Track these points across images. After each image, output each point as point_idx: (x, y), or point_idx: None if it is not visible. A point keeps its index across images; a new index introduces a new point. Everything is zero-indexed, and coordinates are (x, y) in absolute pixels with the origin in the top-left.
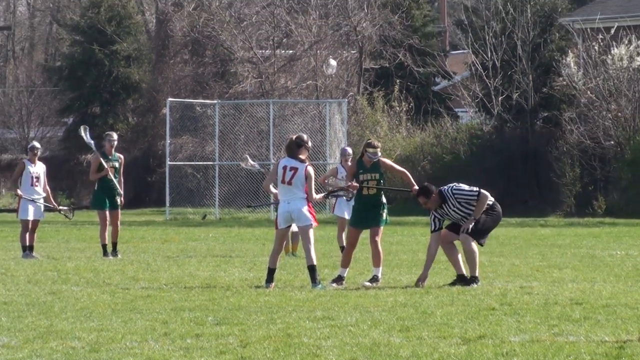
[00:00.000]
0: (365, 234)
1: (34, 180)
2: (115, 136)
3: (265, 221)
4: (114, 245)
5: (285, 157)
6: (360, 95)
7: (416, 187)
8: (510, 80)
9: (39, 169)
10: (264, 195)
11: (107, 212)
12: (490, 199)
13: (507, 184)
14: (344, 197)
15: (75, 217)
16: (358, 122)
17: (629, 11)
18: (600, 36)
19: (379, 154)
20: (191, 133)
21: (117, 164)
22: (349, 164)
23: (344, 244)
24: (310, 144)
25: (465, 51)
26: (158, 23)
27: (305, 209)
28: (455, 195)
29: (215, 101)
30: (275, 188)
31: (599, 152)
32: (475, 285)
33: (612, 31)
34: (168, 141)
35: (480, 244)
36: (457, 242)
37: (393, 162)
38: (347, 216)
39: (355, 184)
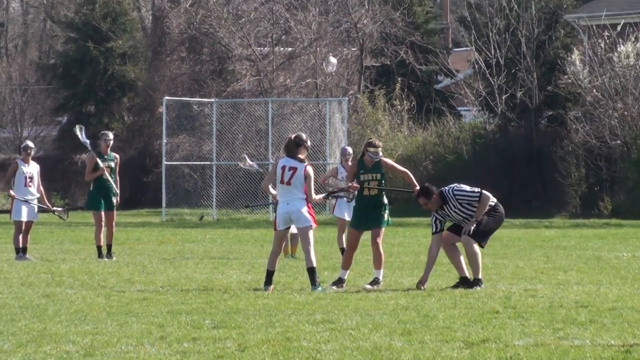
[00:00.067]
0: (366, 236)
1: (28, 180)
2: (111, 135)
3: (263, 222)
4: (109, 247)
5: (284, 157)
6: (361, 93)
7: (418, 187)
8: (514, 78)
9: (32, 169)
10: (263, 196)
11: (103, 213)
12: (493, 200)
13: (511, 184)
14: (345, 198)
15: (69, 218)
16: (359, 121)
17: (635, 7)
18: (607, 33)
19: (380, 153)
20: (188, 132)
21: (113, 164)
22: (350, 163)
23: (344, 246)
24: (309, 143)
25: (468, 48)
26: (154, 20)
27: (304, 210)
28: (456, 196)
29: (212, 100)
30: (274, 188)
31: (605, 152)
32: (478, 288)
33: (619, 28)
34: (164, 140)
35: (481, 246)
36: (459, 244)
37: (394, 162)
38: (347, 217)
39: (355, 184)
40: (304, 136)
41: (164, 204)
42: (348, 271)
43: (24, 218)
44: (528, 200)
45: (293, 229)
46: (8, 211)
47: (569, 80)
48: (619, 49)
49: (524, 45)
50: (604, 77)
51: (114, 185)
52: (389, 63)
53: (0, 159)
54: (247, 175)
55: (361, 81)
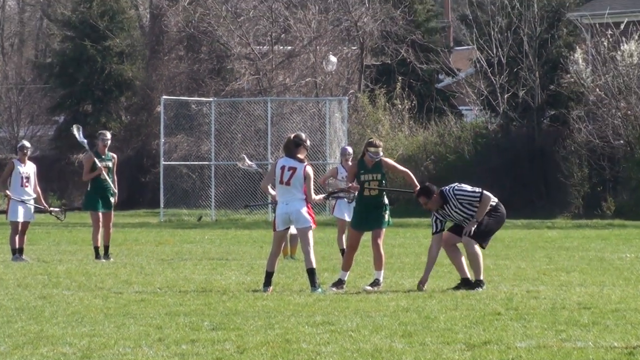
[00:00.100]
0: (366, 236)
1: (24, 180)
2: (108, 135)
3: (262, 223)
4: (106, 248)
5: (283, 157)
6: (361, 92)
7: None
8: (516, 77)
9: (29, 169)
10: (262, 197)
11: (100, 214)
12: (494, 200)
13: (513, 184)
14: (345, 199)
15: (66, 219)
16: (359, 120)
17: (639, 5)
18: (610, 31)
19: (381, 153)
20: (186, 132)
21: (110, 164)
22: (350, 163)
23: (344, 247)
24: (308, 143)
25: (469, 47)
26: (152, 18)
27: (304, 210)
28: (457, 196)
29: (211, 99)
30: (273, 189)
31: (608, 152)
32: (480, 289)
33: (622, 26)
34: (162, 140)
35: (482, 247)
36: (460, 245)
37: (395, 161)
38: (347, 218)
39: (356, 184)
40: (303, 136)
41: (161, 205)
42: (348, 272)
43: (20, 219)
44: (530, 200)
45: (292, 230)
46: (4, 212)
47: (572, 79)
48: (622, 47)
49: (526, 43)
50: (607, 76)
51: (112, 185)
52: (389, 62)
53: None
54: (246, 175)
55: (361, 80)
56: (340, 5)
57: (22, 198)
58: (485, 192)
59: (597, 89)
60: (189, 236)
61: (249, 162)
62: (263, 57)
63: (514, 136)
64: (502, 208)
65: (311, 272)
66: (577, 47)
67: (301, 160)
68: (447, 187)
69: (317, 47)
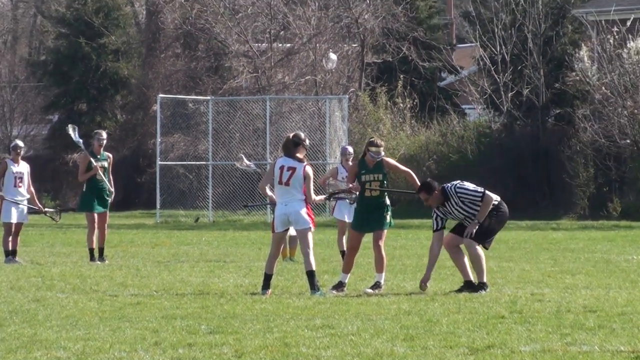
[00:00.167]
0: (367, 238)
1: (18, 180)
2: (104, 135)
3: (261, 224)
4: (101, 250)
5: (282, 157)
6: (361, 91)
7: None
8: (521, 76)
9: (22, 169)
10: (260, 197)
11: (96, 215)
12: (496, 199)
13: (517, 184)
14: (347, 200)
15: (61, 220)
16: (359, 119)
17: None
18: (616, 29)
19: (382, 153)
20: (183, 131)
21: (106, 164)
22: (350, 163)
23: (345, 249)
24: (308, 142)
25: (472, 44)
26: (148, 15)
27: (303, 212)
28: (459, 194)
29: (208, 97)
30: (271, 189)
31: (614, 151)
32: (483, 292)
33: (628, 23)
34: (159, 140)
35: (485, 247)
36: (463, 247)
37: (397, 161)
38: (347, 219)
39: (356, 185)
40: (302, 135)
41: (158, 205)
42: (349, 275)
43: (14, 220)
44: (535, 201)
45: (292, 231)
46: None
47: (577, 78)
48: (628, 45)
49: (530, 41)
50: (613, 74)
51: (108, 184)
52: (390, 60)
53: None
54: (244, 175)
55: (362, 78)
56: (341, 2)
57: (16, 199)
58: (487, 192)
59: (603, 87)
60: (185, 238)
61: (247, 162)
62: (262, 55)
63: (518, 135)
64: (505, 207)
65: (311, 275)
66: (583, 45)
67: (300, 160)
68: (449, 184)
69: (317, 45)
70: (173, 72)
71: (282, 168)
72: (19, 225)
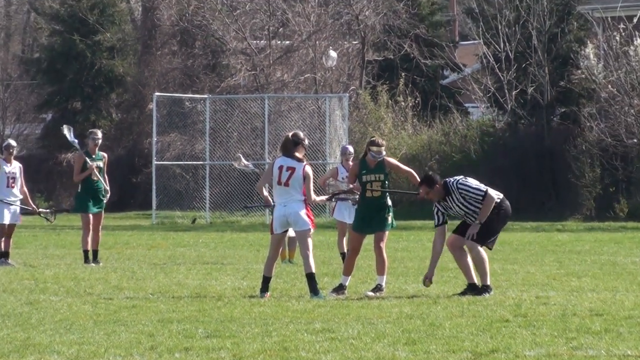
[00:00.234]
0: (368, 240)
1: (10, 181)
2: (99, 134)
3: (259, 225)
4: (95, 252)
5: (281, 157)
6: (362, 89)
7: (425, 194)
8: (525, 73)
9: (15, 168)
10: (259, 198)
11: (91, 216)
12: (498, 197)
13: (522, 185)
14: (350, 201)
15: (55, 221)
16: (360, 118)
17: None
18: (622, 25)
19: (384, 152)
20: (180, 130)
21: (101, 164)
22: (350, 163)
23: (345, 250)
24: (307, 142)
25: (476, 42)
26: (144, 11)
27: (303, 213)
28: (460, 190)
29: (205, 96)
30: (268, 190)
31: (621, 151)
32: (487, 295)
33: (635, 20)
34: (155, 139)
35: (489, 248)
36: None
37: (398, 161)
38: (347, 220)
39: (357, 185)
40: (301, 134)
41: (154, 206)
42: (349, 277)
43: (6, 221)
44: (539, 202)
45: (291, 233)
46: None
47: (583, 76)
48: (635, 42)
49: (535, 38)
50: (619, 71)
51: (104, 184)
52: (392, 57)
53: None
54: (242, 175)
55: (363, 76)
56: None
57: (8, 199)
58: (489, 192)
59: (609, 86)
60: (182, 239)
61: (245, 162)
62: (260, 52)
63: (523, 135)
64: (507, 204)
65: (310, 277)
66: (588, 42)
67: (300, 160)
68: (451, 179)
69: (317, 42)
70: (169, 70)
71: (281, 168)
72: (11, 227)
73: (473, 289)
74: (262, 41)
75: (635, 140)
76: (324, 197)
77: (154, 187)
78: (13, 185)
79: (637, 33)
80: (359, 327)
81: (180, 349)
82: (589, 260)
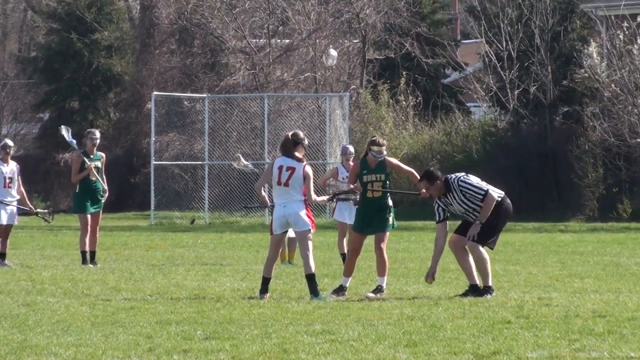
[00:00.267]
0: (369, 240)
1: (7, 181)
2: (97, 134)
3: (259, 226)
4: (92, 254)
5: (280, 156)
6: (363, 88)
7: (425, 190)
8: (527, 72)
9: (12, 169)
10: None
11: (89, 216)
12: (499, 195)
13: (524, 185)
14: (351, 202)
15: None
16: (361, 117)
17: None
18: (626, 24)
19: (385, 152)
20: (178, 130)
21: (99, 164)
22: (351, 163)
23: (345, 251)
24: (307, 141)
25: (478, 40)
26: (142, 10)
27: (303, 213)
28: (461, 188)
29: (204, 95)
30: (267, 190)
31: (624, 151)
32: (488, 296)
33: (639, 19)
34: (153, 139)
35: (490, 248)
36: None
37: (399, 161)
38: (348, 221)
39: (358, 186)
40: (301, 134)
41: (152, 207)
42: (350, 278)
43: (3, 222)
44: (542, 202)
45: (291, 233)
46: None
47: (586, 75)
48: (639, 40)
49: (537, 36)
50: (623, 70)
51: (102, 184)
52: (393, 56)
53: None
54: (242, 176)
55: (363, 75)
56: None
57: (5, 200)
58: (490, 191)
59: (613, 85)
60: (181, 240)
61: (245, 162)
62: (259, 51)
63: (525, 134)
64: (508, 202)
65: (310, 278)
66: (592, 41)
67: (300, 160)
68: (453, 176)
69: (317, 41)
70: (168, 69)
71: (280, 168)
72: (8, 227)
73: (475, 290)
74: (261, 40)
75: (638, 140)
76: (325, 197)
77: (152, 187)
78: (10, 185)
79: None
80: (359, 329)
81: (178, 351)
82: (592, 261)
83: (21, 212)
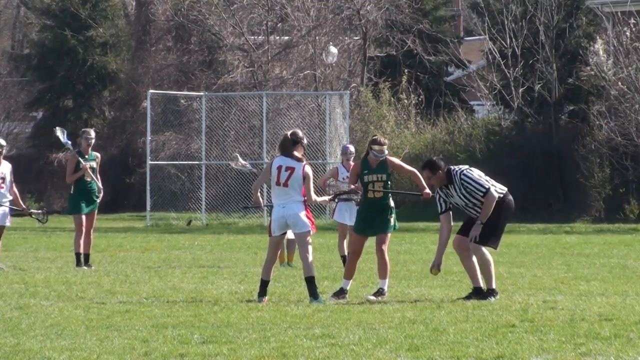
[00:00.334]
0: (370, 242)
1: (0, 181)
2: (92, 134)
3: (257, 227)
4: (87, 256)
5: (279, 156)
6: (364, 86)
7: (427, 190)
8: (532, 70)
9: (4, 168)
10: None
11: (84, 217)
12: (501, 192)
13: (529, 186)
14: (353, 202)
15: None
16: (361, 116)
17: None
18: (633, 20)
19: (386, 152)
20: (175, 129)
21: (94, 164)
22: (351, 163)
23: (346, 253)
24: (306, 141)
25: (481, 37)
26: (138, 6)
27: (302, 214)
28: (462, 182)
29: (201, 93)
30: (265, 190)
31: (632, 150)
32: (492, 299)
33: None
34: (149, 138)
35: (494, 247)
36: None
37: (401, 160)
38: (348, 222)
39: (358, 186)
40: (300, 133)
41: (148, 208)
42: (350, 281)
43: None
44: (547, 203)
45: (290, 235)
46: None
47: (592, 72)
48: None
49: (542, 33)
50: (630, 68)
51: (97, 183)
52: (394, 53)
53: None
54: (239, 176)
55: (364, 73)
56: None
57: None
58: (491, 190)
59: (619, 83)
60: (177, 242)
61: (243, 162)
62: (258, 48)
63: (530, 133)
64: (510, 198)
65: (310, 281)
66: (598, 38)
67: (299, 160)
68: (456, 167)
69: (317, 38)
70: (164, 67)
71: (279, 168)
72: (0, 229)
73: (478, 293)
74: (260, 37)
75: None
76: (326, 198)
77: (148, 187)
78: (2, 185)
79: None
80: (360, 333)
81: (175, 355)
82: (598, 263)
83: (14, 213)
